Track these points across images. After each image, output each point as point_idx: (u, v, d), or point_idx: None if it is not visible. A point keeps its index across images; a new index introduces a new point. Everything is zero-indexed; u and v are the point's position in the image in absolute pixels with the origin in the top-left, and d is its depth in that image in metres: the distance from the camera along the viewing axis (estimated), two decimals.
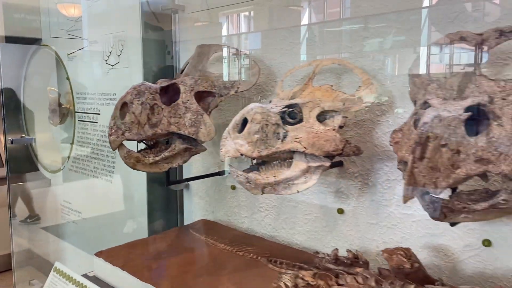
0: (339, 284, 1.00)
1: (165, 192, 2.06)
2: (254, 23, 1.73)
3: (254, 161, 1.16)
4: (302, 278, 0.98)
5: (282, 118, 1.11)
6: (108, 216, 2.28)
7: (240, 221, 1.79)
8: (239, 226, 1.78)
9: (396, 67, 1.24)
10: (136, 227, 2.09)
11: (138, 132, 1.37)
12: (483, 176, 0.87)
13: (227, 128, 1.09)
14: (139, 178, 1.98)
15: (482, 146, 0.81)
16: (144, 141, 1.44)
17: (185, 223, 2.01)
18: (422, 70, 1.12)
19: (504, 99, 0.84)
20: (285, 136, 1.09)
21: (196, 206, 1.99)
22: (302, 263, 1.22)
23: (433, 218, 0.86)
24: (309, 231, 1.54)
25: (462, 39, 0.96)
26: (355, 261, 1.11)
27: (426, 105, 0.90)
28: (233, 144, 1.05)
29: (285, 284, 1.00)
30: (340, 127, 1.17)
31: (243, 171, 1.11)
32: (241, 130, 1.08)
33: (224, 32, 1.81)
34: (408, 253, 1.01)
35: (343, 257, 1.13)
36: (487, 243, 1.10)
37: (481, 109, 0.84)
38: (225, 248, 1.44)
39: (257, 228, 1.72)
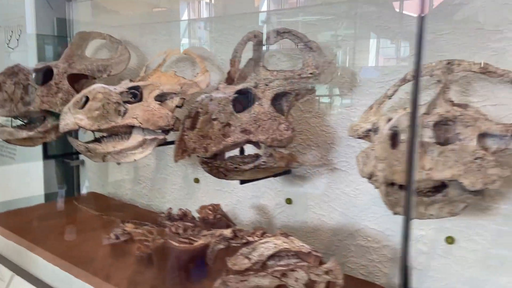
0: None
1: (63, 168, 2.21)
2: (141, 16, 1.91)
3: (104, 135, 1.36)
4: (123, 229, 1.20)
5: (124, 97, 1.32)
6: (11, 193, 2.40)
7: (124, 193, 1.99)
8: (123, 198, 1.98)
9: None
10: (35, 201, 2.24)
11: (11, 109, 1.53)
12: (256, 143, 1.12)
13: (67, 105, 1.28)
14: (36, 156, 2.12)
15: (246, 120, 1.06)
16: (19, 118, 1.60)
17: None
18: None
19: (266, 85, 1.09)
20: (124, 113, 1.30)
21: (90, 181, 2.17)
22: (148, 222, 1.45)
23: (214, 175, 1.10)
24: (175, 199, 1.77)
25: (256, 36, 1.21)
26: (184, 216, 1.35)
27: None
28: (73, 119, 1.24)
29: (114, 235, 1.22)
30: (178, 106, 1.39)
31: (86, 142, 1.31)
32: (83, 107, 1.27)
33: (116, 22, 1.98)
34: (215, 208, 1.26)
35: (176, 214, 1.37)
36: (289, 201, 1.38)
37: (249, 91, 1.08)
38: (94, 214, 1.64)
39: (137, 198, 1.93)
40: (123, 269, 1.13)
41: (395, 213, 0.84)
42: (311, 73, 1.12)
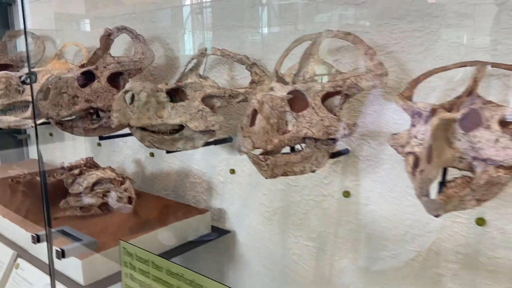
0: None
1: (13, 141, 2.71)
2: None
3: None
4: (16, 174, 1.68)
5: (23, 81, 1.78)
6: None
7: (55, 158, 2.47)
8: (53, 162, 2.46)
9: None
10: None
11: None
12: (99, 109, 1.57)
13: None
14: None
15: (88, 93, 1.51)
16: None
17: None
18: None
19: (104, 67, 1.54)
20: (23, 92, 1.76)
21: (35, 150, 2.66)
22: None
23: (71, 133, 1.56)
24: None
25: (106, 32, 1.64)
26: (72, 167, 1.82)
27: None
28: None
29: (10, 179, 1.69)
30: None
31: None
32: None
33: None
34: (87, 160, 1.72)
35: (66, 166, 1.84)
36: (152, 154, 1.84)
37: (91, 73, 1.53)
38: (18, 173, 2.12)
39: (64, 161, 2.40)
40: (15, 202, 1.61)
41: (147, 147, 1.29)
42: (139, 58, 1.56)
